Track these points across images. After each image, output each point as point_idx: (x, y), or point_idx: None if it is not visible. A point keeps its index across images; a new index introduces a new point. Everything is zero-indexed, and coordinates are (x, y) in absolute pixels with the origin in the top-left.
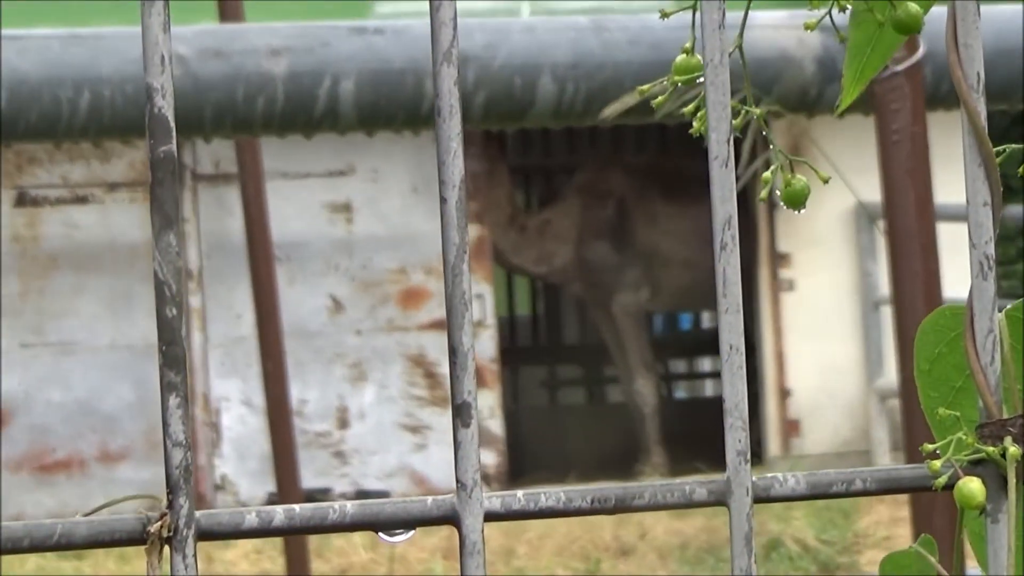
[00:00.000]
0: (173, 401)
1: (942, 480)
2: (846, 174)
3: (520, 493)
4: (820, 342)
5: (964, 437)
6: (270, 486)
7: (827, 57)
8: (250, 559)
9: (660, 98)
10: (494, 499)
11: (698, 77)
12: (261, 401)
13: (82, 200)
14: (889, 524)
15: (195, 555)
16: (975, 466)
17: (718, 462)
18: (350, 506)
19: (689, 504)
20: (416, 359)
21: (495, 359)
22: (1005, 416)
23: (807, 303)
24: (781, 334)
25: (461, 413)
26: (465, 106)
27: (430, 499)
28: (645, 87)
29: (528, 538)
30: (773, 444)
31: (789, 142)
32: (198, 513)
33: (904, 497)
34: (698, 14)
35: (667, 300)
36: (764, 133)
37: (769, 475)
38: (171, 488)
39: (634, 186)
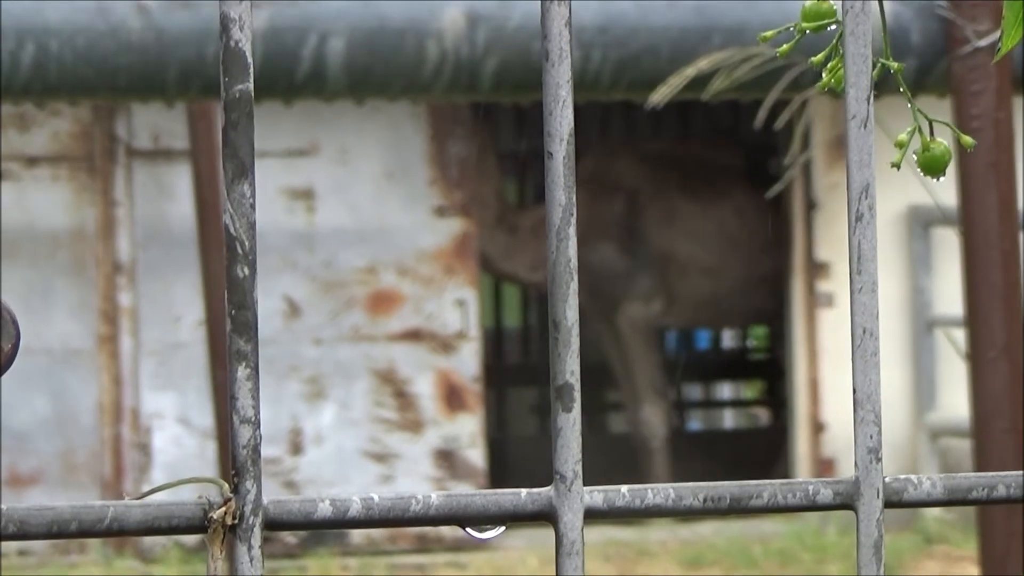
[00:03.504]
0: (242, 372)
1: None
2: (916, 168)
3: (624, 488)
4: None
5: None
6: None
7: (896, 27)
8: None
9: (719, 83)
10: (596, 494)
11: (830, 25)
12: (200, 419)
13: None
14: None
15: (261, 546)
16: None
17: None
18: (435, 497)
19: (812, 506)
20: (384, 375)
21: (478, 378)
22: None
23: (848, 322)
24: (816, 358)
25: (563, 396)
26: (472, 74)
27: (524, 492)
28: (704, 62)
29: None
30: None
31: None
32: (266, 500)
33: (959, 552)
34: None
35: (683, 314)
36: (901, 89)
37: (903, 476)
38: (237, 470)
39: (648, 177)
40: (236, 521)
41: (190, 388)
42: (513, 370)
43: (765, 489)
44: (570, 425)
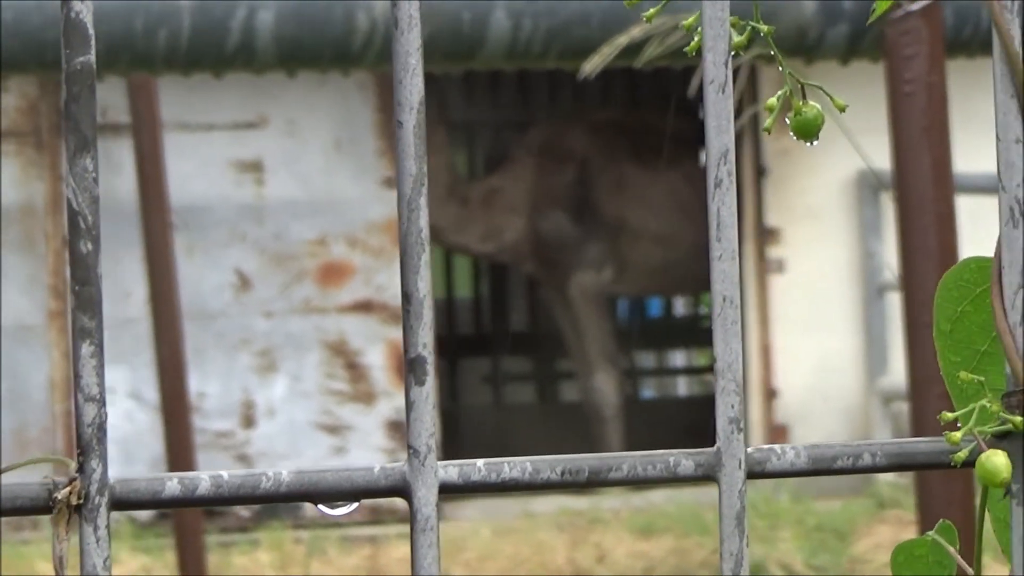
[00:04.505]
0: (86, 349)
1: (962, 454)
2: (852, 134)
3: (480, 462)
4: (814, 334)
5: (988, 405)
6: None
7: None
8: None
9: (651, 50)
10: (450, 468)
11: None
12: (152, 394)
13: None
14: (891, 547)
15: (108, 526)
16: (1000, 439)
17: None
18: (286, 474)
19: (673, 478)
20: (336, 347)
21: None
22: None
23: (799, 287)
24: (768, 324)
25: (415, 369)
26: None
27: (377, 467)
28: (636, 30)
29: (466, 559)
30: None
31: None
32: (112, 479)
33: (910, 517)
34: None
35: (634, 282)
36: (772, 53)
37: (765, 446)
38: (82, 449)
39: (598, 146)
40: (81, 501)
41: (141, 363)
42: (465, 341)
43: (625, 461)
44: (423, 399)
